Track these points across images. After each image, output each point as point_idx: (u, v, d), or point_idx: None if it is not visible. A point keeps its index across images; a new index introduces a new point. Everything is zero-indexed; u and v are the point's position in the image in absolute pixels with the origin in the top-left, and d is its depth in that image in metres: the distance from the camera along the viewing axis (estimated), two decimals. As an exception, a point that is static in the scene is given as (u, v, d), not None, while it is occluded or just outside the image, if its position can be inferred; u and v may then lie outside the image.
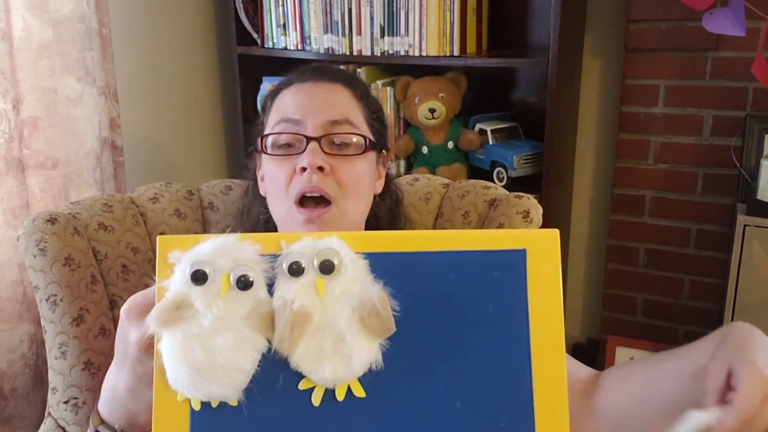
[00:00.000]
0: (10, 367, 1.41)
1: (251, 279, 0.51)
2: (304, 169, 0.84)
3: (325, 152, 0.86)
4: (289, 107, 0.89)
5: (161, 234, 1.13)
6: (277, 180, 0.87)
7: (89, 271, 1.03)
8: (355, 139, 0.88)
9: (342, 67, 1.90)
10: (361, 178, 0.89)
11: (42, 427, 1.02)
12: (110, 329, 1.04)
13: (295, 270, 0.51)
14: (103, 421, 0.66)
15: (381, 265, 0.53)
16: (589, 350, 2.20)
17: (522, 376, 0.53)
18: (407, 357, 0.53)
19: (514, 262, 0.54)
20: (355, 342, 0.51)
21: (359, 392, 0.52)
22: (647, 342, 2.05)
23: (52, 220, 1.01)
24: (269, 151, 0.88)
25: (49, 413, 1.02)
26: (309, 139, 0.86)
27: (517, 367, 0.53)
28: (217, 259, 0.51)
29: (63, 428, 1.01)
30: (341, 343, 0.51)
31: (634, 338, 2.07)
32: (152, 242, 1.13)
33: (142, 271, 1.09)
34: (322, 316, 0.51)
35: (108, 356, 1.03)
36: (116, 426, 0.66)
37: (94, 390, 1.01)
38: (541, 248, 0.54)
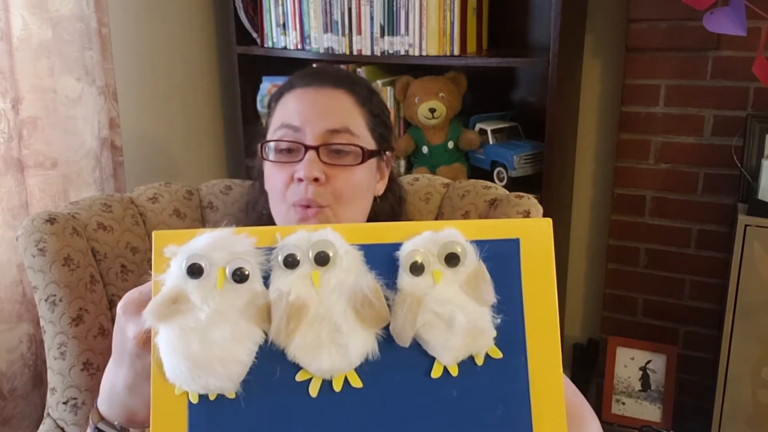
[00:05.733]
0: (9, 368, 1.40)
1: (247, 272, 0.51)
2: (301, 179, 0.85)
3: (322, 161, 0.86)
4: (290, 113, 0.90)
5: (161, 234, 1.13)
6: (275, 185, 0.89)
7: (88, 271, 1.03)
8: (353, 149, 0.88)
9: (342, 66, 1.90)
10: (357, 187, 0.89)
11: (41, 427, 1.02)
12: (109, 329, 1.04)
13: (291, 262, 0.51)
14: (102, 418, 0.66)
15: (376, 256, 0.53)
16: (589, 350, 2.20)
17: (517, 362, 0.53)
18: (402, 346, 0.52)
19: (507, 251, 0.54)
20: (351, 332, 0.51)
21: (356, 382, 0.52)
22: (647, 342, 2.04)
23: (51, 220, 1.01)
24: (270, 156, 0.90)
25: (48, 413, 1.02)
26: (307, 147, 0.86)
27: (512, 354, 0.53)
28: (213, 253, 0.51)
29: (62, 428, 1.01)
30: (338, 334, 0.51)
31: (634, 338, 2.06)
32: (151, 242, 1.13)
33: (141, 271, 1.09)
34: (318, 307, 0.51)
35: (107, 356, 1.03)
36: (116, 423, 0.66)
37: (94, 390, 1.01)
38: (534, 237, 0.55)
